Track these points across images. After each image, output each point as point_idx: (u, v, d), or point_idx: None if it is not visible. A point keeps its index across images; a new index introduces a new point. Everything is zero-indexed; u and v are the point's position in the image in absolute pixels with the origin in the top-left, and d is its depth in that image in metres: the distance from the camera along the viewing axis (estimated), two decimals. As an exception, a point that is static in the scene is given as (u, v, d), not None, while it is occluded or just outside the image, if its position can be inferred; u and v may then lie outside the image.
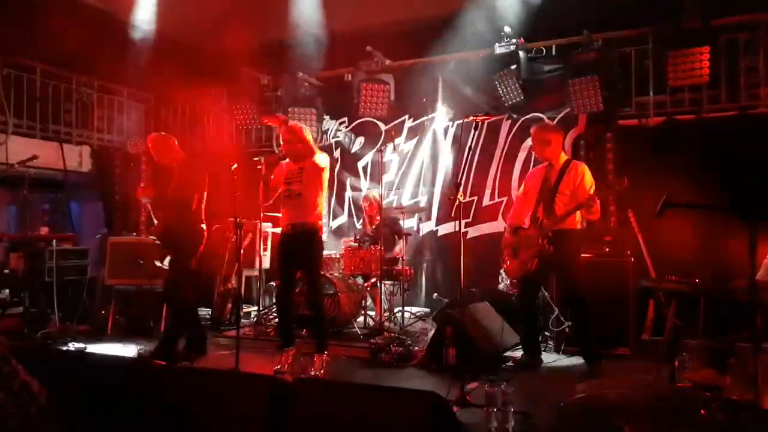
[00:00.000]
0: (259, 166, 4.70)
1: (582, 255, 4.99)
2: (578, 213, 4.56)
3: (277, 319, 5.36)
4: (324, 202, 4.69)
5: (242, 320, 6.28)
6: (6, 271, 6.30)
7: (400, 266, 6.19)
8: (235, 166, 4.49)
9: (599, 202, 4.39)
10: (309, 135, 4.64)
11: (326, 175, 4.63)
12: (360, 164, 7.69)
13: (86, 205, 8.68)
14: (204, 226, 4.92)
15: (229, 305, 6.60)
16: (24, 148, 6.94)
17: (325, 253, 6.48)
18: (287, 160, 4.72)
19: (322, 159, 4.60)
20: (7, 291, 6.27)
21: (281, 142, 4.70)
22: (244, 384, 2.73)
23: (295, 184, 4.55)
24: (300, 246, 4.53)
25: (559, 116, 6.43)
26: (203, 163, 5.01)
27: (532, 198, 4.73)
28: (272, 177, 4.70)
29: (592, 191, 4.48)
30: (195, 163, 4.99)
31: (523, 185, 5.01)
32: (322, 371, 4.45)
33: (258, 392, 2.58)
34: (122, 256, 6.28)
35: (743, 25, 5.91)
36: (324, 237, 4.91)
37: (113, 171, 8.47)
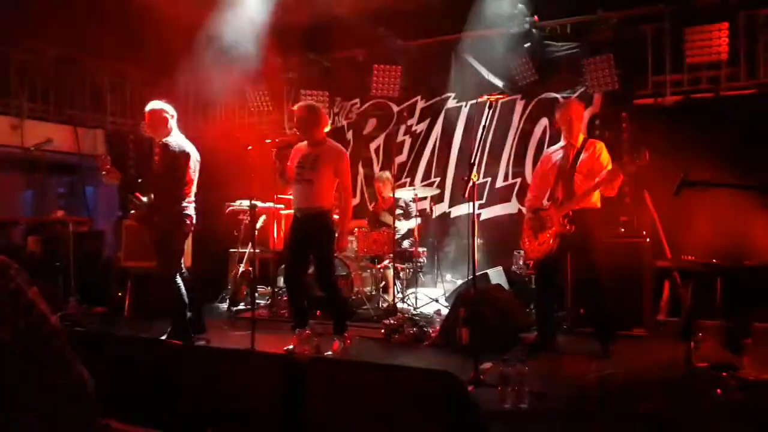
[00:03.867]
0: (274, 154, 4.62)
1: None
2: (597, 192, 4.51)
3: (289, 303, 5.35)
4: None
5: (257, 301, 6.32)
6: (24, 254, 6.39)
7: (413, 248, 6.19)
8: (250, 148, 4.48)
9: (622, 176, 4.34)
10: (324, 117, 4.63)
11: (347, 166, 4.59)
12: (372, 146, 7.67)
13: (101, 188, 8.75)
14: (190, 209, 4.73)
15: (244, 286, 6.65)
16: (39, 132, 6.99)
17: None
18: (304, 142, 4.69)
19: (340, 147, 4.61)
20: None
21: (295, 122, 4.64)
22: (260, 363, 2.76)
23: (307, 171, 4.50)
24: (311, 230, 4.52)
25: (575, 96, 6.35)
26: (188, 143, 4.76)
27: (551, 179, 4.68)
28: (289, 164, 4.64)
29: (609, 168, 4.43)
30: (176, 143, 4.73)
31: (539, 166, 4.95)
32: (340, 353, 4.46)
33: (274, 371, 2.61)
34: (137, 239, 6.33)
35: (763, 0, 5.78)
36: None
37: (127, 154, 8.52)
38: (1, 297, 1.16)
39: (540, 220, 4.66)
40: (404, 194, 6.46)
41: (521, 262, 5.97)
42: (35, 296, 1.23)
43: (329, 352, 4.45)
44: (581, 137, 4.66)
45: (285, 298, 6.29)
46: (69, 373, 1.26)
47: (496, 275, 6.19)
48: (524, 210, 5.00)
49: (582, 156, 4.53)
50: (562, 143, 4.74)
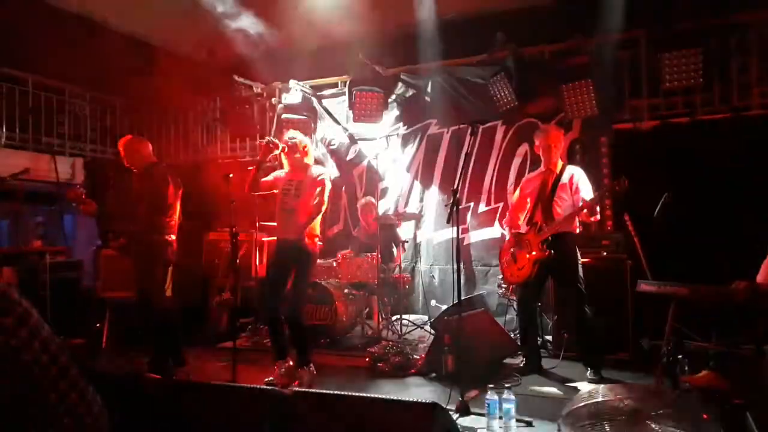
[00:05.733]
0: (267, 141, 4.61)
1: (580, 258, 5.01)
2: (576, 217, 4.56)
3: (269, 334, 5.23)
4: (319, 216, 4.60)
5: (238, 331, 6.22)
6: (-1, 285, 6.23)
7: (397, 274, 6.16)
8: (231, 176, 4.46)
9: (599, 204, 4.39)
10: (310, 147, 4.66)
11: (326, 190, 4.56)
12: (355, 172, 7.67)
13: (80, 217, 8.62)
14: (172, 238, 4.70)
15: (225, 316, 6.55)
16: (16, 161, 6.89)
17: (321, 261, 6.47)
18: (283, 170, 4.72)
19: (325, 175, 4.59)
20: None
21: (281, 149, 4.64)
22: (243, 397, 2.70)
23: (291, 199, 4.53)
24: (292, 259, 4.51)
25: (554, 121, 6.43)
26: (168, 172, 4.75)
27: (529, 204, 4.73)
28: (271, 178, 4.67)
29: (589, 196, 4.48)
30: (157, 172, 4.73)
31: (519, 191, 5.00)
32: (307, 385, 4.39)
33: (257, 405, 2.55)
34: (116, 269, 6.22)
35: (734, 26, 5.93)
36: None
37: (107, 183, 8.42)
38: (13, 321, 1.18)
39: (519, 244, 4.69)
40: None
41: (504, 287, 5.97)
42: (39, 318, 1.26)
43: (297, 386, 4.34)
44: (560, 163, 4.73)
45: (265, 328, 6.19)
46: (83, 397, 1.29)
47: (481, 300, 6.17)
48: (506, 233, 5.00)
49: (561, 182, 4.58)
50: (542, 168, 4.79)
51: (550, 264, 4.53)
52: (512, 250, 4.76)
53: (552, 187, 4.62)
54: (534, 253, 4.55)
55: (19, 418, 1.19)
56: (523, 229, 4.75)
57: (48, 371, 1.22)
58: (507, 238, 4.92)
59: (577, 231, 4.71)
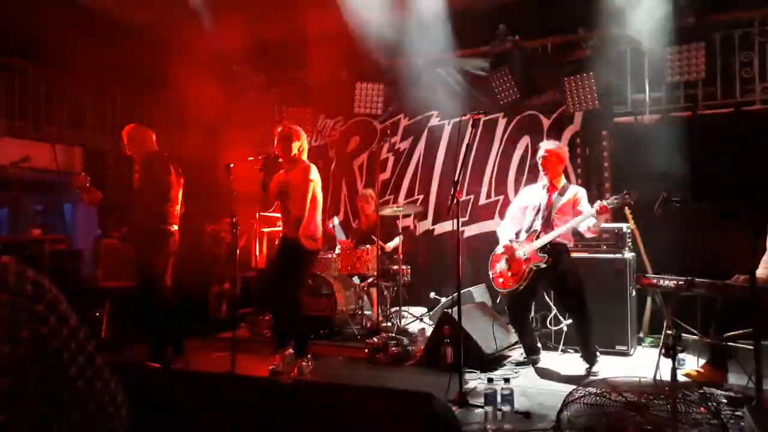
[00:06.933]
0: (260, 168, 4.61)
1: (580, 253, 5.02)
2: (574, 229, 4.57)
3: (271, 320, 5.28)
4: (317, 214, 4.60)
5: (238, 321, 6.24)
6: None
7: (397, 266, 6.16)
8: (231, 165, 4.45)
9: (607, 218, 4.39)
10: (304, 140, 4.63)
11: (316, 187, 4.56)
12: (355, 163, 7.66)
13: (79, 206, 8.62)
14: (174, 228, 4.68)
15: (225, 306, 6.56)
16: (16, 149, 6.88)
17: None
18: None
19: (310, 171, 4.56)
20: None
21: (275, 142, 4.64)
22: (241, 387, 2.70)
23: (284, 199, 4.59)
24: (290, 254, 4.54)
25: (556, 114, 6.42)
26: (170, 162, 4.72)
27: (530, 214, 4.70)
28: (271, 183, 4.68)
29: (593, 218, 4.47)
30: (159, 161, 4.69)
31: (517, 200, 4.96)
32: (305, 375, 4.40)
33: (255, 395, 2.55)
34: (117, 258, 6.23)
35: (737, 22, 5.91)
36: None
37: (106, 172, 8.40)
38: (44, 308, 1.21)
39: (516, 250, 4.65)
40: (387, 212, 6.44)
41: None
42: (68, 306, 1.29)
43: (296, 376, 4.36)
44: (563, 180, 4.72)
45: (266, 318, 6.21)
46: (107, 385, 1.32)
47: (480, 292, 6.18)
48: (500, 241, 4.92)
49: (564, 201, 4.58)
50: (543, 182, 4.74)
51: (546, 272, 4.53)
52: (506, 257, 4.72)
53: (554, 204, 4.62)
54: (529, 258, 4.54)
55: (47, 403, 1.22)
56: (522, 237, 4.72)
57: (76, 358, 1.24)
58: (500, 246, 4.85)
59: (572, 242, 4.72)
